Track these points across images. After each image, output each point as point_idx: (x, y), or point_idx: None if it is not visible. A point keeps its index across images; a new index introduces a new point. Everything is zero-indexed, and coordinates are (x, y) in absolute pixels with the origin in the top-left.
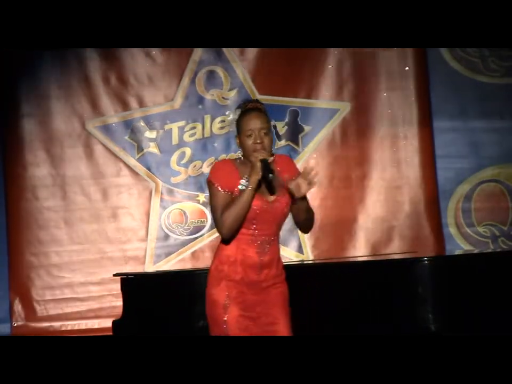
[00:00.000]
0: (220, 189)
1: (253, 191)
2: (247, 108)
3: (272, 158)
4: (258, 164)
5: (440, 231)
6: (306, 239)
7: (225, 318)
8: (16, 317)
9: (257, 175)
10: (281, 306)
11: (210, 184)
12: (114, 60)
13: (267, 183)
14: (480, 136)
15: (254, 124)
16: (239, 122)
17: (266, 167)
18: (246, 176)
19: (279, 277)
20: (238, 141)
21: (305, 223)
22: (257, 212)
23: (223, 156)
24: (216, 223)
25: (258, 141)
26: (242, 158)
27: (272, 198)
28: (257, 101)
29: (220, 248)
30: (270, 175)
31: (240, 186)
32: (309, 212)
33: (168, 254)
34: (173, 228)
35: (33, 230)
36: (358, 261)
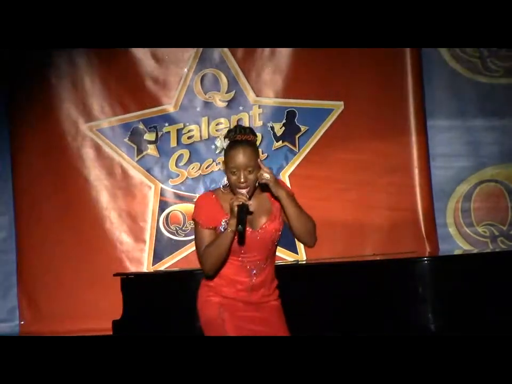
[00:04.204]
0: (203, 226)
1: (232, 233)
2: (235, 139)
3: (250, 202)
4: (236, 209)
5: (434, 232)
6: None
7: (223, 317)
8: (24, 315)
9: (234, 220)
10: (275, 317)
11: (193, 221)
12: (114, 62)
13: (238, 232)
14: (479, 136)
15: (239, 161)
16: (225, 154)
17: (242, 214)
18: (226, 219)
19: (270, 296)
20: (223, 169)
21: (304, 235)
22: (243, 243)
23: (221, 158)
24: (199, 261)
25: (242, 180)
26: (224, 188)
27: (259, 224)
28: (249, 130)
29: None
30: (240, 226)
31: (221, 228)
32: (304, 222)
33: (166, 255)
34: (172, 229)
35: (40, 232)
36: (357, 260)
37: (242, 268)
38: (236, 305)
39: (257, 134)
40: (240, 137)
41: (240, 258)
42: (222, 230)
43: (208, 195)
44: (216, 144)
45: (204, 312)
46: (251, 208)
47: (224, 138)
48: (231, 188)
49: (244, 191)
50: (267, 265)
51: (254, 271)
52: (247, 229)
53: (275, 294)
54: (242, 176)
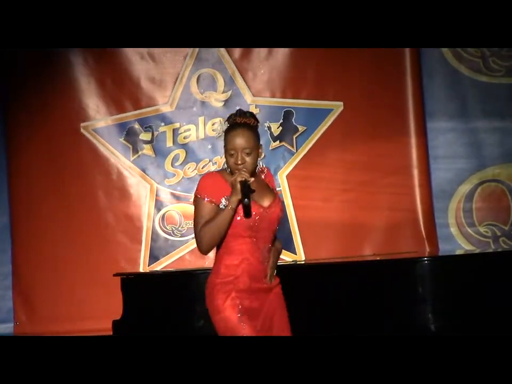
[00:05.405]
0: (206, 199)
1: (232, 211)
2: (235, 122)
3: (252, 179)
4: (238, 186)
5: (434, 233)
6: (299, 240)
7: (244, 323)
8: (19, 316)
9: (237, 196)
10: (280, 309)
11: (196, 198)
12: (110, 62)
13: (243, 206)
14: (481, 136)
15: (238, 143)
16: (225, 137)
17: (245, 189)
18: (226, 196)
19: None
20: (224, 154)
21: None
22: (257, 218)
23: (217, 158)
24: (195, 238)
25: (239, 162)
26: (228, 171)
27: (267, 203)
28: (249, 114)
29: (222, 259)
30: (246, 199)
31: (221, 205)
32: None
33: (163, 256)
34: (168, 230)
35: (35, 231)
36: (357, 261)
37: (255, 250)
38: (249, 313)
39: None
40: (240, 120)
41: (252, 240)
42: (223, 207)
43: (214, 173)
44: (217, 127)
45: (224, 314)
46: (253, 186)
47: (225, 122)
48: (231, 171)
49: (242, 168)
50: (270, 251)
51: (264, 253)
52: (261, 205)
53: (276, 280)
54: (239, 158)
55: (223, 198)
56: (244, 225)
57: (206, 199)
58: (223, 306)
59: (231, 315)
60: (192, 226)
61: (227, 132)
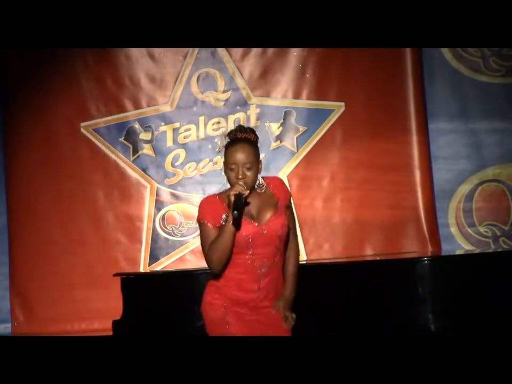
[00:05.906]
0: (208, 225)
1: (233, 226)
2: (236, 137)
3: (247, 192)
4: (232, 198)
5: (436, 231)
6: (301, 240)
7: (228, 320)
8: (17, 317)
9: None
10: (279, 326)
11: (199, 223)
12: (109, 61)
13: (233, 218)
14: (481, 136)
15: (238, 158)
16: (225, 152)
17: (238, 202)
18: (226, 213)
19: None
20: (224, 168)
21: None
22: (250, 237)
23: (217, 158)
24: (206, 261)
25: (240, 176)
26: (228, 191)
27: (264, 220)
28: (249, 129)
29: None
30: (234, 212)
31: (222, 221)
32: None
33: (163, 255)
34: (168, 229)
35: (34, 232)
36: (358, 260)
37: (250, 267)
38: (241, 309)
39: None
40: (240, 135)
41: (247, 256)
42: (223, 223)
43: (212, 197)
44: (217, 142)
45: (209, 314)
46: (255, 201)
47: (225, 137)
48: (231, 186)
49: (242, 182)
50: (274, 265)
51: (262, 270)
52: (254, 223)
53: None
54: (240, 172)
55: (224, 215)
56: (237, 245)
57: (207, 223)
58: (210, 304)
59: (214, 312)
60: (193, 226)
61: (227, 147)
